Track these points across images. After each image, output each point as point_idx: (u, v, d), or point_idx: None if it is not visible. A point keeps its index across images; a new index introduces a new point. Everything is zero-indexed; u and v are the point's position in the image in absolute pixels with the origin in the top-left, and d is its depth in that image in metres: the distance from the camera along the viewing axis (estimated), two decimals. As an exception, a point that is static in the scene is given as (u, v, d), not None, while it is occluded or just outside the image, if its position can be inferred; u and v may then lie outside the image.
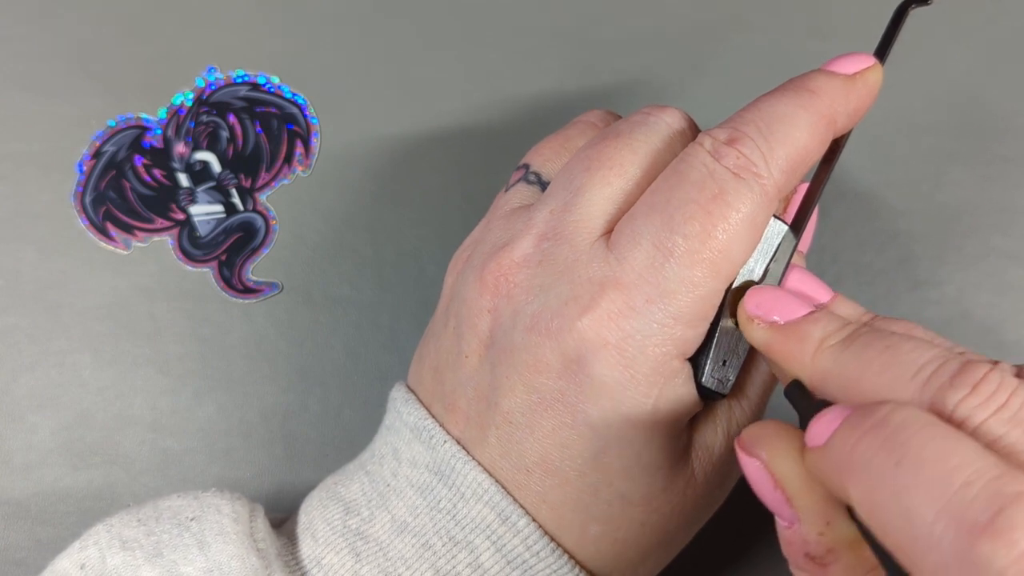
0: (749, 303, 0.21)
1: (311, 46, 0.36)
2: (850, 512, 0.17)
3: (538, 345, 0.22)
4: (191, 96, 0.35)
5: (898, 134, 0.35)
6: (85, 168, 0.34)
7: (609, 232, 0.22)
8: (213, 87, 0.35)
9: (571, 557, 0.22)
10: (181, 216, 0.34)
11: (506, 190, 0.26)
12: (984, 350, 0.33)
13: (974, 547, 0.14)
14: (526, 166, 0.26)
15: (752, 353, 0.23)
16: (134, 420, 0.32)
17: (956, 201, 0.34)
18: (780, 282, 0.23)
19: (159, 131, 0.35)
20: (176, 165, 0.34)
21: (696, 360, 0.22)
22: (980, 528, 0.14)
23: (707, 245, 0.21)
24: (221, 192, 0.34)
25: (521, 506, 0.22)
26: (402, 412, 0.25)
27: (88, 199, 0.34)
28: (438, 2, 0.37)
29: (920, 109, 0.35)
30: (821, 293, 0.23)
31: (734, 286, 0.22)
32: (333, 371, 0.33)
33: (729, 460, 0.24)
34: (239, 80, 0.35)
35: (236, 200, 0.34)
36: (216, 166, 0.34)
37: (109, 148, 0.35)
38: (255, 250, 0.34)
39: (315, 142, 0.35)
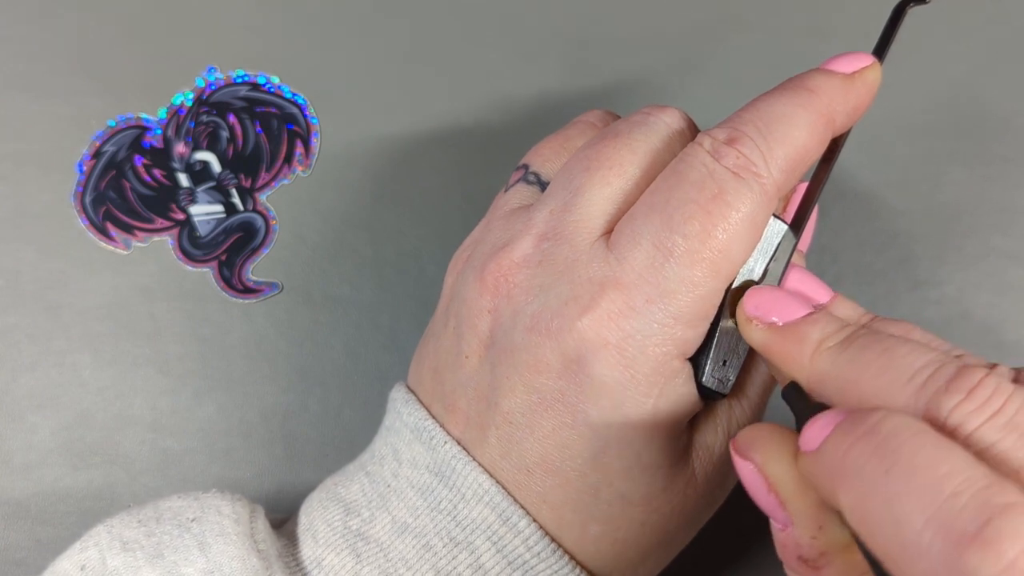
0: (748, 303, 0.21)
1: (311, 46, 0.36)
2: (842, 517, 0.17)
3: (538, 345, 0.22)
4: (191, 96, 0.35)
5: (898, 134, 0.35)
6: (85, 168, 0.34)
7: (609, 232, 0.22)
8: (213, 87, 0.35)
9: (571, 557, 0.22)
10: (181, 216, 0.34)
11: (505, 190, 0.26)
12: (984, 350, 0.33)
13: (962, 557, 0.14)
14: (525, 166, 0.26)
15: (752, 353, 0.23)
16: (134, 420, 0.32)
17: (956, 201, 0.34)
18: (780, 282, 0.23)
19: (159, 131, 0.35)
20: (176, 165, 0.34)
21: (696, 360, 0.22)
22: (968, 538, 0.14)
23: (707, 245, 0.21)
24: (221, 192, 0.34)
25: (522, 507, 0.22)
26: (402, 413, 0.24)
27: (88, 199, 0.34)
28: (438, 2, 0.37)
29: (920, 109, 0.35)
30: (821, 293, 0.23)
31: (734, 286, 0.22)
32: (333, 371, 0.33)
33: (729, 460, 0.24)
34: (239, 80, 0.35)
35: (236, 200, 0.34)
36: (216, 166, 0.34)
37: (109, 148, 0.35)
38: (255, 250, 0.34)
39: (315, 142, 0.35)
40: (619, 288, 0.21)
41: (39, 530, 0.31)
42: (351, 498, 0.24)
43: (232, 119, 0.35)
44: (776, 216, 0.23)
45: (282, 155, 0.35)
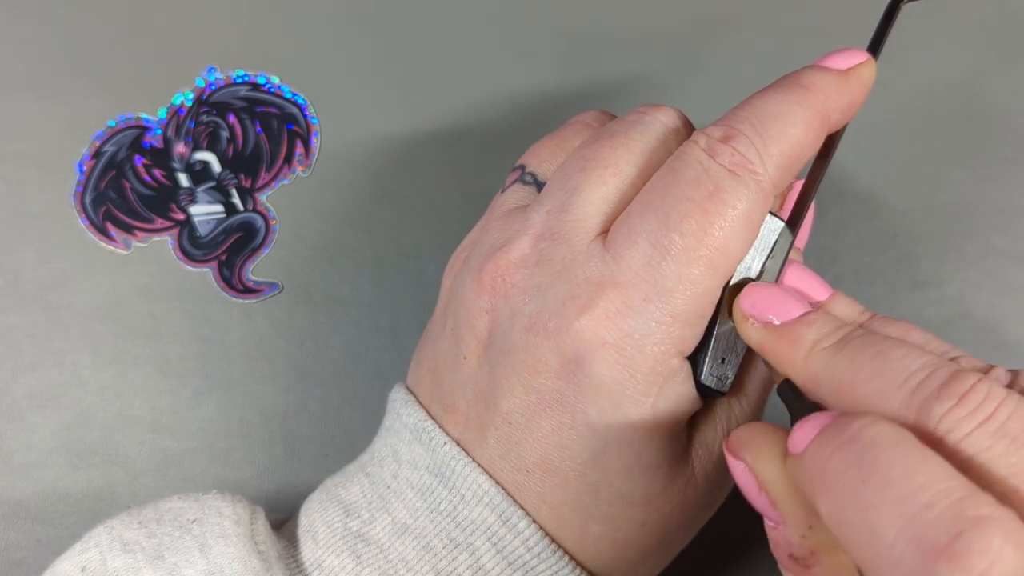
0: (744, 302, 0.21)
1: (311, 46, 0.36)
2: None
3: (536, 345, 0.22)
4: (191, 96, 0.35)
5: (898, 134, 0.35)
6: (85, 168, 0.34)
7: (606, 231, 0.22)
8: (213, 87, 0.35)
9: (571, 558, 0.22)
10: (181, 216, 0.34)
11: (502, 191, 0.26)
12: (984, 350, 0.33)
13: (932, 569, 0.14)
14: (522, 167, 0.26)
15: (751, 350, 0.23)
16: (134, 420, 0.32)
17: (956, 201, 0.34)
18: (777, 279, 0.23)
19: (159, 131, 0.35)
20: (176, 165, 0.34)
21: (695, 358, 0.22)
22: (939, 550, 0.14)
23: (704, 243, 0.21)
24: (221, 192, 0.34)
25: (521, 507, 0.22)
26: (401, 414, 0.24)
27: (88, 199, 0.34)
28: (438, 2, 0.37)
29: (920, 109, 0.35)
30: (819, 290, 0.23)
31: (731, 283, 0.22)
32: (333, 371, 0.33)
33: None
34: (239, 80, 0.35)
35: (236, 200, 0.34)
36: (216, 166, 0.34)
37: (109, 148, 0.35)
38: (255, 250, 0.34)
39: (315, 142, 0.35)
40: (616, 287, 0.21)
41: (39, 530, 0.31)
42: (351, 499, 0.24)
43: (232, 119, 0.35)
44: (773, 213, 0.23)
45: (282, 155, 0.35)
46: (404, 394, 0.25)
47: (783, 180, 0.22)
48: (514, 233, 0.23)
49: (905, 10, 0.24)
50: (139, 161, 0.34)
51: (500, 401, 0.22)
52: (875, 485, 0.15)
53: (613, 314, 0.21)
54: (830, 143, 0.24)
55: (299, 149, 0.35)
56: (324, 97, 0.35)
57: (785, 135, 0.21)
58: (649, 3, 0.37)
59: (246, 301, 0.33)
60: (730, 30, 0.36)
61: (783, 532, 0.19)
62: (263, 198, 0.34)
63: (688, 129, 0.24)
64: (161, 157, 0.34)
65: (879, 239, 0.34)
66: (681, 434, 0.23)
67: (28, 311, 0.33)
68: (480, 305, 0.23)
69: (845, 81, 0.23)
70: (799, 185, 0.24)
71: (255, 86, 0.35)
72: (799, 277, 0.23)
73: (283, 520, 0.26)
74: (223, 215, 0.34)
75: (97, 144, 0.35)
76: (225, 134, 0.35)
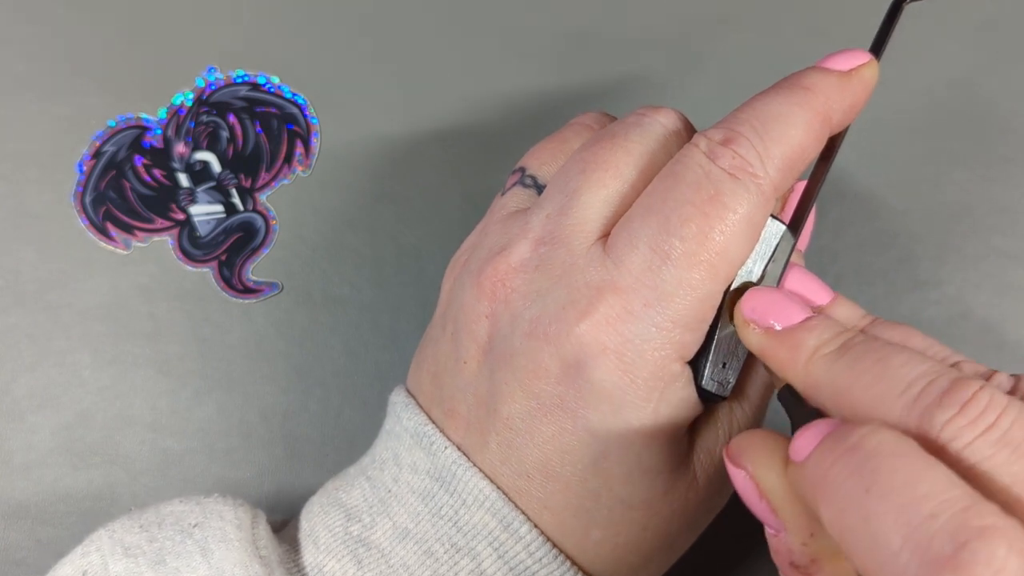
0: (745, 306, 0.21)
1: (311, 46, 0.36)
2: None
3: (537, 351, 0.21)
4: (191, 96, 0.35)
5: (898, 134, 0.35)
6: (85, 168, 0.34)
7: (606, 235, 0.22)
8: (213, 87, 0.35)
9: (573, 563, 0.22)
10: (181, 216, 0.34)
11: (502, 194, 0.26)
12: (984, 350, 0.33)
13: None
14: (522, 169, 0.26)
15: (752, 354, 0.23)
16: (134, 420, 0.32)
17: (956, 201, 0.34)
18: (778, 283, 0.23)
19: (159, 131, 0.35)
20: (176, 165, 0.34)
21: (696, 363, 0.22)
22: (944, 560, 0.14)
23: (704, 247, 0.21)
24: (221, 192, 0.34)
25: (523, 512, 0.22)
26: (402, 417, 0.24)
27: (88, 199, 0.34)
28: (438, 2, 0.37)
29: (920, 109, 0.35)
30: (821, 294, 0.23)
31: (732, 287, 0.22)
32: (333, 371, 0.33)
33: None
34: (239, 80, 0.35)
35: (236, 200, 0.34)
36: (216, 166, 0.34)
37: (109, 148, 0.35)
38: (255, 250, 0.34)
39: (315, 142, 0.35)
40: (617, 292, 0.21)
41: (39, 530, 0.31)
42: (352, 503, 0.24)
43: (232, 119, 0.35)
44: (774, 216, 0.23)
45: (282, 155, 0.35)
46: (404, 397, 0.25)
47: (784, 182, 0.22)
48: (514, 237, 0.23)
49: (907, 10, 0.24)
50: (139, 161, 0.34)
51: (501, 406, 0.22)
52: (878, 494, 0.15)
53: (613, 319, 0.21)
54: (832, 145, 0.23)
55: (299, 149, 0.35)
56: (324, 97, 0.35)
57: (786, 137, 0.21)
58: (649, 3, 0.37)
59: (246, 301, 0.33)
60: (730, 30, 0.36)
61: (784, 539, 0.18)
62: (263, 198, 0.34)
63: (688, 131, 0.24)
64: (161, 157, 0.34)
65: (879, 239, 0.34)
66: (682, 439, 0.23)
67: (28, 311, 0.33)
68: (480, 310, 0.23)
69: (847, 82, 0.22)
70: (801, 187, 0.24)
71: (255, 86, 0.35)
72: (800, 281, 0.23)
73: (283, 523, 0.26)
74: (223, 215, 0.34)
75: (97, 144, 0.35)
76: (225, 134, 0.35)
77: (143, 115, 0.35)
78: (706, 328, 0.22)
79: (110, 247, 0.34)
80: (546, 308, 0.22)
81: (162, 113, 0.35)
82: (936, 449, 0.16)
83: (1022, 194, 0.34)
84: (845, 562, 0.18)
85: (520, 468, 0.22)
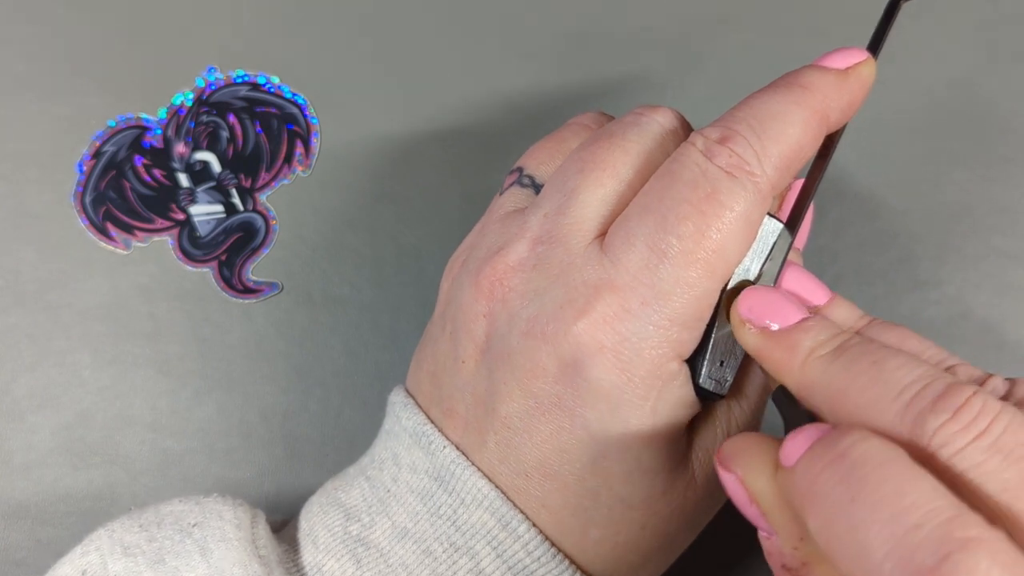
0: (742, 306, 0.21)
1: (311, 46, 0.36)
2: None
3: (534, 350, 0.21)
4: (191, 96, 0.35)
5: (898, 134, 0.35)
6: (85, 168, 0.34)
7: (604, 234, 0.22)
8: (213, 87, 0.35)
9: (572, 562, 0.22)
10: (181, 216, 0.34)
11: (500, 194, 0.26)
12: (984, 350, 0.33)
13: None
14: (520, 169, 0.26)
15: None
16: (134, 420, 0.32)
17: (956, 201, 0.34)
18: (775, 281, 0.23)
19: (159, 131, 0.35)
20: (176, 165, 0.34)
21: (693, 361, 0.22)
22: (925, 572, 0.14)
23: (701, 245, 0.21)
24: (221, 192, 0.34)
25: (521, 511, 0.22)
26: (401, 417, 0.24)
27: (88, 199, 0.34)
28: (438, 2, 0.37)
29: (920, 109, 0.35)
30: (818, 294, 0.23)
31: (730, 286, 0.22)
32: (333, 371, 0.33)
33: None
34: (239, 80, 0.35)
35: (236, 200, 0.34)
36: (216, 166, 0.34)
37: (109, 148, 0.35)
38: (255, 250, 0.34)
39: (315, 142, 0.35)
40: (614, 291, 0.21)
41: (39, 530, 0.31)
42: (351, 503, 0.24)
43: (232, 119, 0.35)
44: (771, 215, 0.23)
45: (282, 155, 0.35)
46: (403, 397, 0.25)
47: (781, 181, 0.22)
48: (511, 236, 0.23)
49: (905, 9, 0.24)
50: (139, 161, 0.34)
51: (499, 405, 0.22)
52: (864, 503, 0.15)
53: (611, 318, 0.21)
54: (829, 143, 0.23)
55: (299, 149, 0.35)
56: (324, 97, 0.35)
57: (783, 135, 0.21)
58: (649, 3, 0.37)
59: (246, 301, 0.33)
60: (730, 30, 0.36)
61: (775, 543, 0.18)
62: (263, 198, 0.34)
63: (686, 130, 0.24)
64: (161, 157, 0.34)
65: (879, 239, 0.34)
66: (680, 437, 0.23)
67: (28, 311, 0.33)
68: (478, 309, 0.23)
69: (844, 80, 0.22)
70: (799, 185, 0.24)
71: (255, 86, 0.35)
72: (798, 280, 0.23)
73: (283, 522, 0.26)
74: (223, 215, 0.34)
75: (97, 144, 0.35)
76: (225, 134, 0.35)
77: (143, 115, 0.35)
78: (703, 327, 0.22)
79: (110, 247, 0.34)
80: (544, 307, 0.22)
81: (162, 113, 0.35)
82: (927, 455, 0.16)
83: (1022, 194, 0.34)
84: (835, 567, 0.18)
85: (518, 467, 0.22)
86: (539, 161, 0.25)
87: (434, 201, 0.34)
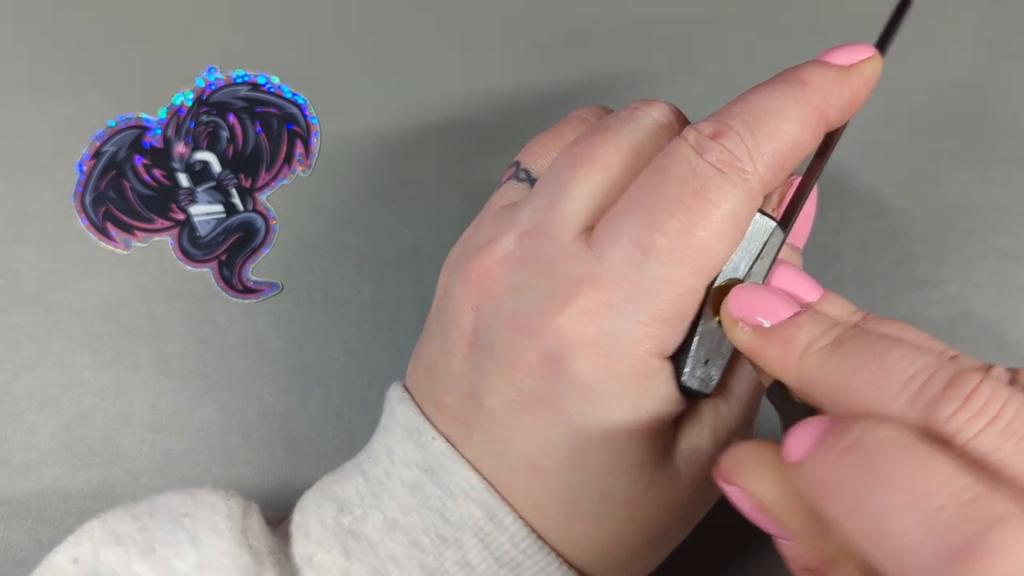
0: (732, 304, 0.21)
1: (311, 46, 0.36)
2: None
3: (518, 343, 0.21)
4: (191, 96, 0.35)
5: (899, 134, 0.35)
6: (85, 168, 0.34)
7: (592, 229, 0.22)
8: (213, 87, 0.35)
9: (559, 555, 0.22)
10: (181, 216, 0.34)
11: (498, 188, 0.26)
12: (984, 350, 0.33)
13: (953, 571, 0.14)
14: (517, 164, 0.26)
15: (738, 351, 0.23)
16: (134, 420, 0.32)
17: (957, 201, 0.34)
18: (765, 280, 0.22)
19: (159, 131, 0.35)
20: (176, 165, 0.34)
21: (678, 359, 0.22)
22: (957, 553, 0.14)
23: (687, 243, 0.20)
24: (221, 192, 0.34)
25: (508, 504, 0.22)
26: (396, 411, 0.25)
27: (88, 199, 0.34)
28: (438, 2, 0.37)
29: (921, 109, 0.35)
30: (810, 291, 0.23)
31: (717, 283, 0.22)
32: (333, 371, 0.33)
33: (717, 459, 0.24)
34: (239, 80, 0.35)
35: (236, 200, 0.34)
36: (216, 166, 0.34)
37: (109, 148, 0.35)
38: (255, 250, 0.34)
39: (315, 142, 0.35)
40: (596, 286, 0.21)
41: (39, 530, 0.31)
42: (345, 496, 0.24)
43: (232, 119, 0.35)
44: (764, 212, 0.22)
45: (282, 155, 0.35)
46: (400, 392, 0.25)
47: (774, 179, 0.21)
48: (502, 230, 0.23)
49: (912, 6, 0.23)
50: (139, 161, 0.34)
51: (484, 398, 0.22)
52: (883, 491, 0.15)
53: (591, 312, 0.21)
54: (829, 141, 0.23)
55: (299, 149, 0.35)
56: (324, 97, 0.35)
57: (779, 132, 0.21)
58: (650, 1, 0.37)
59: (246, 301, 0.33)
60: (730, 30, 0.36)
61: (793, 547, 0.18)
62: (263, 198, 0.34)
63: (681, 125, 0.24)
64: (161, 157, 0.34)
65: (880, 239, 0.34)
66: (664, 434, 0.23)
67: (28, 311, 0.33)
68: (466, 302, 0.23)
69: (846, 77, 0.22)
70: (798, 180, 0.24)
71: (255, 86, 0.35)
72: (789, 278, 0.23)
73: (283, 517, 0.26)
74: (223, 215, 0.34)
75: (97, 144, 0.35)
76: (225, 134, 0.35)
77: (143, 115, 0.35)
78: (688, 325, 0.22)
79: (110, 247, 0.34)
80: (528, 300, 0.22)
81: (162, 113, 0.35)
82: (942, 442, 0.16)
83: (1022, 194, 0.34)
84: (858, 558, 0.18)
85: (503, 460, 0.22)
86: (536, 155, 0.25)
87: (434, 201, 0.34)
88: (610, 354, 0.21)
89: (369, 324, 0.33)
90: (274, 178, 0.35)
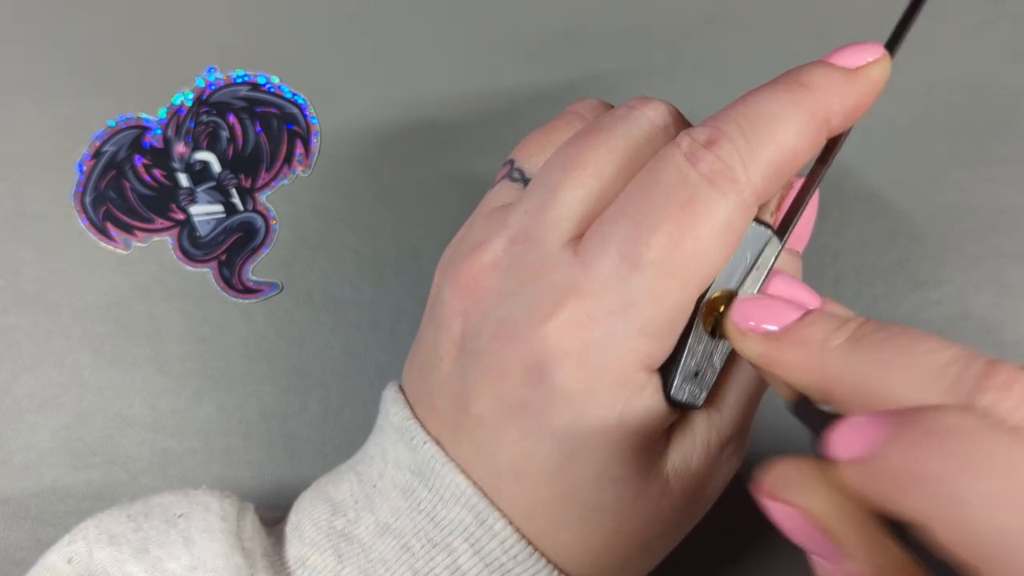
0: (736, 317, 0.20)
1: (311, 46, 0.36)
2: (895, 532, 0.15)
3: (502, 352, 0.21)
4: (191, 96, 0.35)
5: (899, 134, 0.35)
6: (85, 168, 0.34)
7: (582, 235, 0.21)
8: (213, 87, 0.35)
9: (549, 561, 0.22)
10: (181, 216, 0.34)
11: (493, 187, 0.25)
12: (984, 350, 0.32)
13: None
14: (511, 162, 0.25)
15: (728, 361, 0.22)
16: (134, 420, 0.32)
17: (957, 201, 0.34)
18: (760, 290, 0.21)
19: (159, 131, 0.35)
20: (176, 165, 0.34)
21: (666, 371, 0.21)
22: None
23: (674, 256, 0.20)
24: (221, 192, 0.34)
25: (499, 509, 0.22)
26: (389, 412, 0.24)
27: (88, 199, 0.34)
28: (438, 2, 0.37)
29: (921, 109, 0.35)
30: (808, 299, 0.21)
31: (709, 295, 0.21)
32: (333, 371, 0.33)
33: (708, 471, 0.23)
34: (239, 80, 0.35)
35: (236, 200, 0.34)
36: (216, 166, 0.34)
37: (109, 148, 0.35)
38: (255, 250, 0.34)
39: (315, 142, 0.35)
40: (581, 297, 0.20)
41: (39, 530, 0.31)
42: (339, 498, 0.24)
43: (232, 119, 0.35)
44: (760, 221, 0.21)
45: (282, 155, 0.35)
46: (394, 392, 0.25)
47: (770, 188, 0.21)
48: (493, 233, 0.22)
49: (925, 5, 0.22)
50: (139, 161, 0.34)
51: (471, 404, 0.22)
52: (977, 476, 0.13)
53: (575, 324, 0.20)
54: (831, 147, 0.22)
55: (299, 149, 0.35)
56: (324, 97, 0.35)
57: (776, 139, 0.20)
58: (649, 1, 0.37)
59: (246, 301, 0.33)
60: (730, 30, 0.36)
61: (849, 568, 0.16)
62: (263, 198, 0.34)
63: (679, 124, 0.23)
64: (161, 157, 0.34)
65: (880, 239, 0.34)
66: (653, 446, 0.22)
67: (28, 311, 0.33)
68: (455, 307, 0.22)
69: (851, 81, 0.21)
70: (800, 184, 0.23)
71: (255, 86, 0.35)
72: (785, 288, 0.22)
73: (280, 517, 0.26)
74: (223, 215, 0.34)
75: (97, 144, 0.35)
76: (225, 134, 0.35)
77: (143, 115, 0.35)
78: (675, 338, 0.21)
79: (110, 247, 0.34)
80: (514, 309, 0.21)
81: (162, 113, 0.35)
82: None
83: (1022, 194, 0.34)
84: (916, 568, 0.15)
85: (491, 467, 0.22)
86: (529, 153, 0.25)
87: (434, 201, 0.34)
88: (594, 367, 0.20)
89: (369, 324, 0.33)
90: (274, 178, 0.35)
